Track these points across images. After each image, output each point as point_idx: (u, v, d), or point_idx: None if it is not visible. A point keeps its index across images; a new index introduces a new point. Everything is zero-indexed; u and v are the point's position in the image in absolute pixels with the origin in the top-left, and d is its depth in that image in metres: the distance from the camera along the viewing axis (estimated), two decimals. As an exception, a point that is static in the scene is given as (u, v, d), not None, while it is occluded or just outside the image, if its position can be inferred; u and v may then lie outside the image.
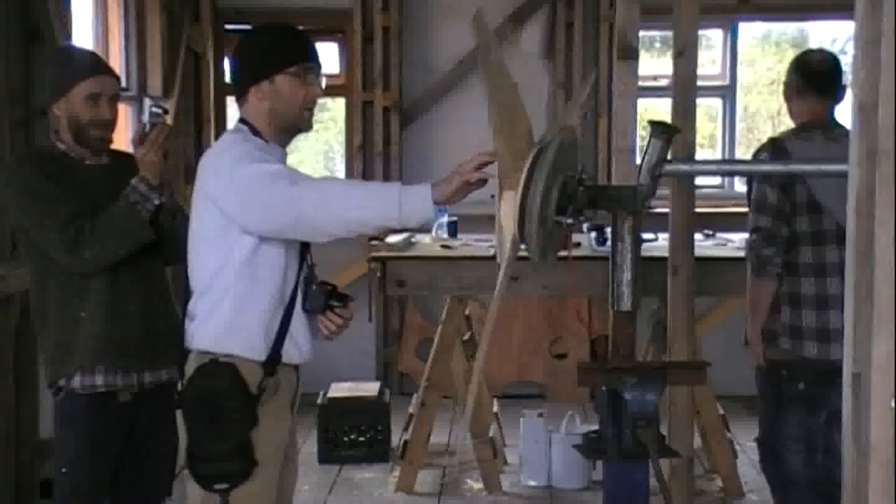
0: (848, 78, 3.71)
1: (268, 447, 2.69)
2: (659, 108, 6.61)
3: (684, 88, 3.92)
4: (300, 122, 2.75)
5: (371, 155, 6.78)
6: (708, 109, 6.97)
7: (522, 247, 2.38)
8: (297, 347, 2.75)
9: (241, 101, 2.76)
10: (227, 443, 2.63)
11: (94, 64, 3.20)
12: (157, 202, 3.03)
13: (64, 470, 3.11)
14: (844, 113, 3.30)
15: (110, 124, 3.15)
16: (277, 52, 2.72)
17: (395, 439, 5.41)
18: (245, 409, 2.64)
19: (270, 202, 2.52)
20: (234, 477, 2.64)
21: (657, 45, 7.14)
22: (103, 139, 3.15)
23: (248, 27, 6.93)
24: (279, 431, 2.75)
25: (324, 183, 2.66)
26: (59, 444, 3.15)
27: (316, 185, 2.59)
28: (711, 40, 6.85)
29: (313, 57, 2.74)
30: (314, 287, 2.75)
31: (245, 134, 2.71)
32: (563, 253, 3.45)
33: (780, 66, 7.89)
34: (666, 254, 3.92)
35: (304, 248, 2.75)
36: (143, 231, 3.02)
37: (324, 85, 2.76)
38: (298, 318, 2.74)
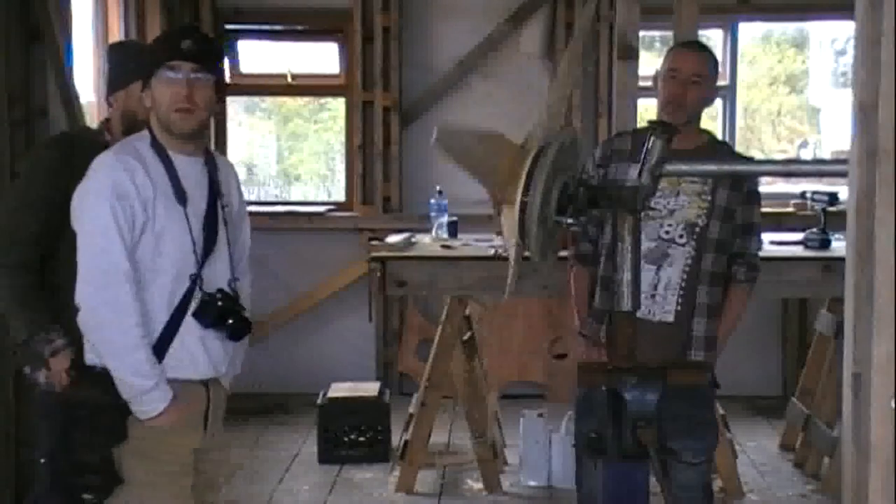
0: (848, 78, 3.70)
1: (143, 465, 2.68)
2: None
3: (684, 88, 3.90)
4: (171, 125, 2.70)
5: (371, 155, 6.77)
6: (708, 109, 6.96)
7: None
8: (193, 363, 2.72)
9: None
10: (89, 455, 2.65)
11: None
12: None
13: (43, 460, 3.08)
14: (845, 112, 3.29)
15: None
16: (152, 58, 2.74)
17: (395, 439, 5.41)
18: (112, 422, 2.65)
19: (93, 283, 2.61)
20: (96, 490, 2.65)
21: (657, 45, 7.13)
22: None
23: (248, 27, 6.94)
24: (171, 450, 2.72)
25: (128, 321, 2.62)
26: (38, 433, 3.13)
27: (120, 321, 2.61)
28: (711, 40, 6.85)
29: (180, 55, 2.68)
30: (207, 298, 2.70)
31: (132, 145, 2.71)
32: (563, 253, 3.46)
33: (780, 65, 7.89)
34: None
35: (205, 257, 2.72)
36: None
37: (195, 77, 2.68)
38: (194, 333, 2.70)
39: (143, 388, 2.62)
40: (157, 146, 2.70)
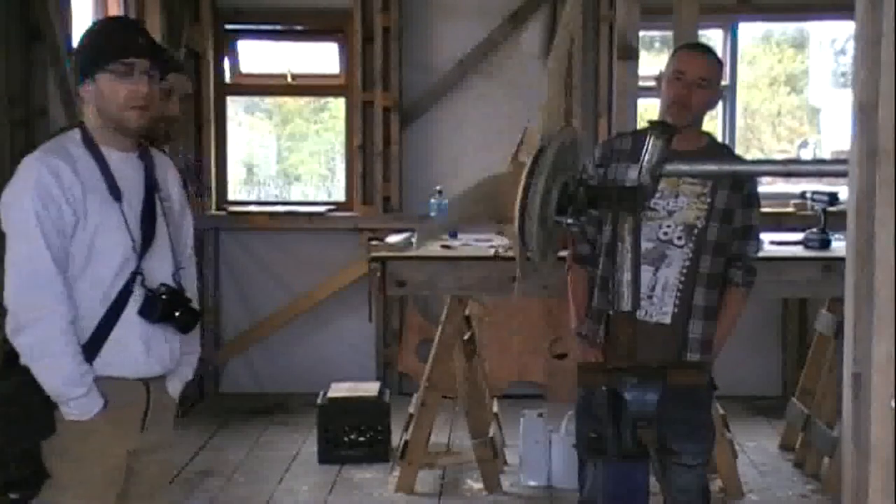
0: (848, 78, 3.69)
1: (77, 467, 2.63)
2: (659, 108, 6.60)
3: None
4: (125, 122, 2.66)
5: (371, 155, 6.77)
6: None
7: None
8: (131, 361, 2.67)
9: (80, 101, 2.73)
10: (14, 448, 2.60)
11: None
12: None
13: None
14: (845, 112, 3.29)
15: (176, 121, 3.20)
16: (98, 49, 2.65)
17: (395, 439, 5.41)
18: (35, 416, 2.59)
19: (17, 287, 2.56)
20: (20, 485, 2.60)
21: (657, 45, 7.14)
22: (168, 135, 3.19)
23: (248, 27, 6.94)
24: (101, 450, 2.66)
25: (52, 326, 2.57)
26: None
27: (45, 321, 2.56)
28: (711, 40, 6.85)
29: (138, 51, 2.64)
30: (150, 294, 2.67)
31: (61, 144, 2.65)
32: (562, 253, 3.45)
33: (780, 65, 7.89)
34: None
35: (144, 252, 2.68)
36: None
37: (151, 74, 2.65)
38: (135, 330, 2.66)
39: (70, 395, 2.58)
40: (88, 143, 2.65)
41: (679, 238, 3.32)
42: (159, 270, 2.71)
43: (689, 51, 3.49)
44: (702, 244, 3.32)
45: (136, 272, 2.65)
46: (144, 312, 2.65)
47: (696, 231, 3.32)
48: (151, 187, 2.73)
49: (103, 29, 2.76)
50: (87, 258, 2.60)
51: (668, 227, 3.32)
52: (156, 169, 2.77)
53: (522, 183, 2.22)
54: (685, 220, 3.32)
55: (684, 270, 3.33)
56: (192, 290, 2.84)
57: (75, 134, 2.68)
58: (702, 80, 3.30)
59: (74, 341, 2.58)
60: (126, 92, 2.61)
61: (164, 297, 2.67)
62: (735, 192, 3.35)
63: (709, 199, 3.32)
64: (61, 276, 2.56)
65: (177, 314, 2.69)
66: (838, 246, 4.70)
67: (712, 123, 6.97)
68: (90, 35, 2.72)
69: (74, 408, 2.59)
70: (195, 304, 2.79)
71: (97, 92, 2.63)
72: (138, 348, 2.67)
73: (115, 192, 2.63)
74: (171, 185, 2.83)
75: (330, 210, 6.88)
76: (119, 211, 2.63)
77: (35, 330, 2.56)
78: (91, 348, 2.62)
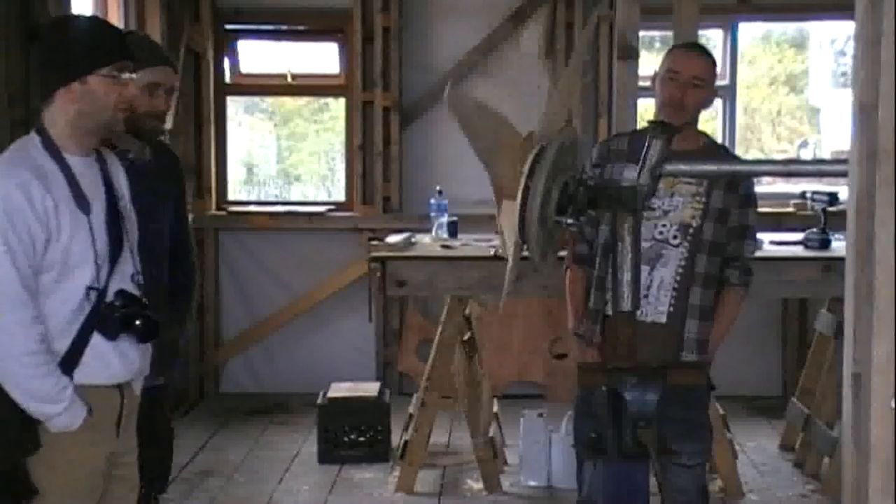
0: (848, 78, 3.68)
1: (59, 475, 2.60)
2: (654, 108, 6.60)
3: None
4: (113, 124, 2.63)
5: (371, 155, 6.77)
6: (708, 109, 6.96)
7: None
8: (107, 369, 2.63)
9: (45, 103, 2.61)
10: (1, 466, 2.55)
11: (157, 54, 3.23)
12: None
13: None
14: (845, 112, 3.28)
15: (164, 116, 3.18)
16: (90, 49, 2.58)
17: (395, 439, 5.41)
18: (18, 431, 2.54)
19: None
20: (7, 502, 2.56)
21: (657, 45, 7.13)
22: (157, 130, 3.18)
23: (248, 27, 6.94)
24: (82, 457, 2.63)
25: (20, 349, 2.51)
26: None
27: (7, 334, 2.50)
28: (711, 40, 6.85)
29: (127, 53, 2.61)
30: (105, 310, 2.59)
31: (25, 153, 2.57)
32: (561, 253, 3.45)
33: (780, 65, 7.89)
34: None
35: (115, 259, 2.61)
36: None
37: (135, 77, 2.64)
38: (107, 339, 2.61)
39: (50, 413, 2.54)
40: (52, 150, 2.57)
41: (675, 237, 3.32)
42: (119, 278, 2.64)
43: (685, 50, 3.49)
44: (698, 244, 3.32)
45: (99, 288, 2.57)
46: (101, 330, 2.59)
47: (691, 230, 3.31)
48: (111, 190, 2.67)
49: (91, 29, 2.69)
50: (62, 272, 2.54)
51: (664, 226, 3.32)
52: (109, 168, 2.71)
53: (522, 184, 2.23)
54: (681, 220, 3.32)
55: (680, 270, 3.32)
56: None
57: (35, 139, 2.60)
58: (697, 80, 3.30)
59: (45, 360, 2.52)
60: (119, 94, 2.58)
61: (119, 310, 2.59)
62: (731, 192, 3.34)
63: (704, 199, 3.32)
64: (29, 297, 2.50)
65: (137, 323, 2.62)
66: (838, 246, 4.70)
67: (712, 123, 6.97)
68: (75, 33, 2.66)
69: (57, 423, 2.56)
70: (151, 312, 2.70)
71: (86, 94, 2.56)
72: (112, 356, 2.63)
73: (84, 205, 2.57)
74: (122, 184, 2.75)
75: (330, 210, 6.88)
76: (87, 224, 2.57)
77: (5, 353, 2.50)
78: (70, 361, 2.57)
